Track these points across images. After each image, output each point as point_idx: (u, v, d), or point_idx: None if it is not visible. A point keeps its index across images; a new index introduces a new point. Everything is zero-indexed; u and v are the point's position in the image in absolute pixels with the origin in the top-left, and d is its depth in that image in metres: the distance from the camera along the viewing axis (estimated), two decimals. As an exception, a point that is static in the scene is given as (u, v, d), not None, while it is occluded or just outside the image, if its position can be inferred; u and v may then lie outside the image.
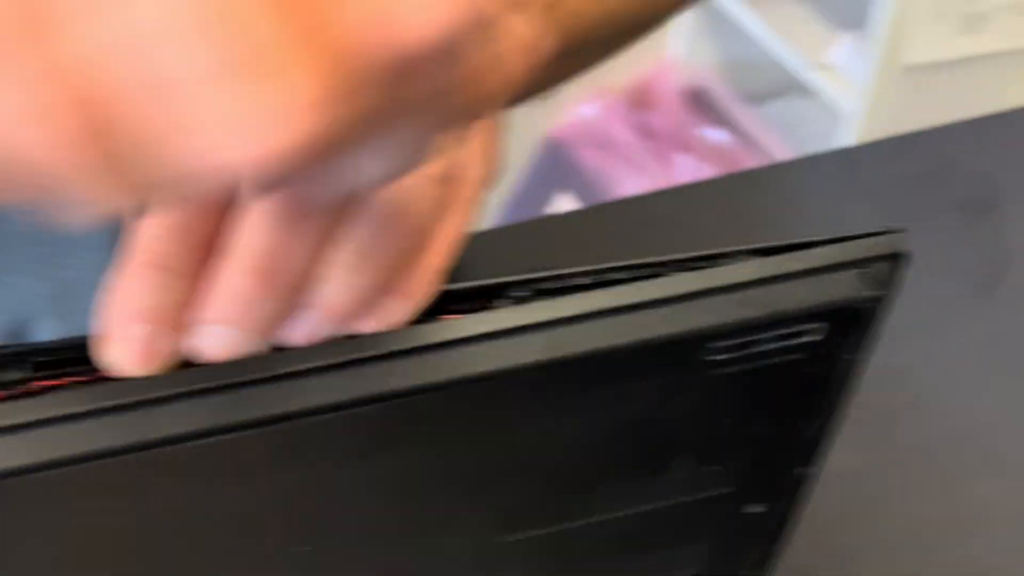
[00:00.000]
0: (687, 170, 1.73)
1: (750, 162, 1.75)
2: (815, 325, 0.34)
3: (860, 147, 0.78)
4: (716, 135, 1.80)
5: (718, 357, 0.34)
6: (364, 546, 0.35)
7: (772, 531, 0.42)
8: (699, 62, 1.87)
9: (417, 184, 0.29)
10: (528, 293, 0.32)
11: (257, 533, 0.33)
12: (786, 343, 0.34)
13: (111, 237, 0.49)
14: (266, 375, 0.29)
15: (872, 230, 0.34)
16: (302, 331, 0.29)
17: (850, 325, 0.35)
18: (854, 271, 0.34)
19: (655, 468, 0.37)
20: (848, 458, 0.57)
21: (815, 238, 0.34)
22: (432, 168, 0.29)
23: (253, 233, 0.28)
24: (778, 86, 1.80)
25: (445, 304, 0.32)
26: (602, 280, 0.33)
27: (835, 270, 0.34)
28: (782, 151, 1.75)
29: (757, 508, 0.41)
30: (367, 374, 0.30)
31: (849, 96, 1.54)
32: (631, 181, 1.72)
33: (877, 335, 0.36)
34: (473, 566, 0.38)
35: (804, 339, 0.34)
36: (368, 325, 0.30)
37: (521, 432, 0.34)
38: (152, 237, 0.28)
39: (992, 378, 0.62)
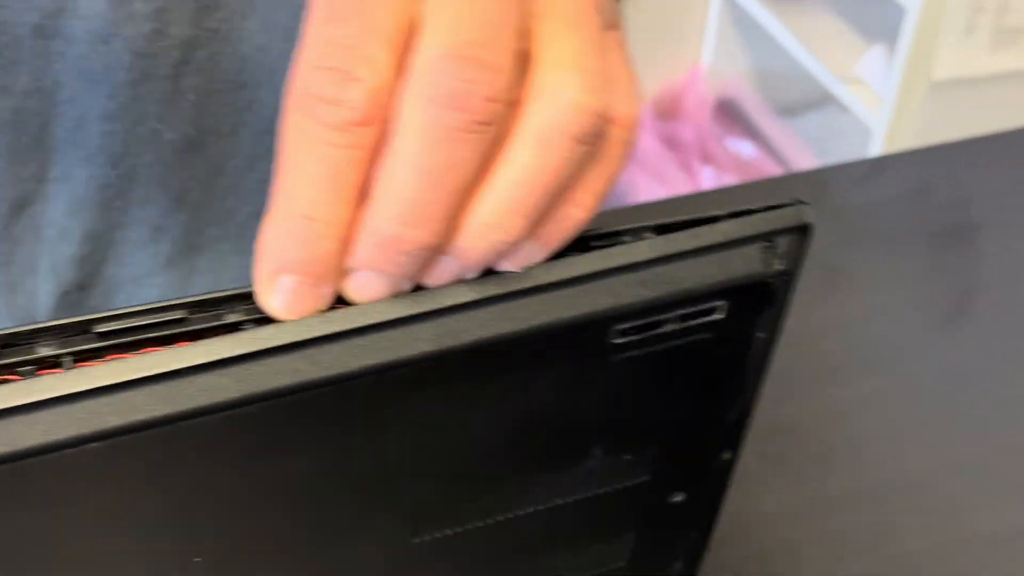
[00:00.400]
0: (710, 182, 1.69)
1: (774, 175, 1.71)
2: (721, 303, 0.33)
3: (832, 168, 0.75)
4: (742, 147, 1.76)
5: (623, 340, 0.32)
6: (278, 549, 0.34)
7: (700, 520, 0.41)
8: (731, 72, 1.83)
9: (562, 146, 0.29)
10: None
11: (158, 541, 0.32)
12: (693, 322, 0.33)
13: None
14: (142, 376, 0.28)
15: (777, 202, 0.33)
16: (441, 276, 0.30)
17: (758, 301, 0.34)
18: (758, 245, 0.33)
19: (571, 458, 0.36)
20: (774, 501, 0.54)
21: (719, 212, 0.32)
22: (579, 126, 0.29)
23: (400, 182, 0.28)
24: (810, 98, 1.76)
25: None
26: None
27: (738, 245, 0.32)
28: (809, 165, 1.71)
29: (681, 496, 0.40)
30: (238, 374, 0.28)
31: (876, 110, 1.50)
32: (653, 191, 1.69)
33: (788, 311, 0.35)
34: (388, 569, 0.36)
35: (711, 317, 0.33)
36: (504, 266, 0.30)
37: (421, 428, 0.33)
38: (301, 185, 0.28)
39: (942, 422, 0.59)
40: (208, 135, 0.51)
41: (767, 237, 0.33)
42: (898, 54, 1.45)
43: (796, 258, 0.33)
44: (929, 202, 0.69)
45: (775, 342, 0.36)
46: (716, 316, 0.33)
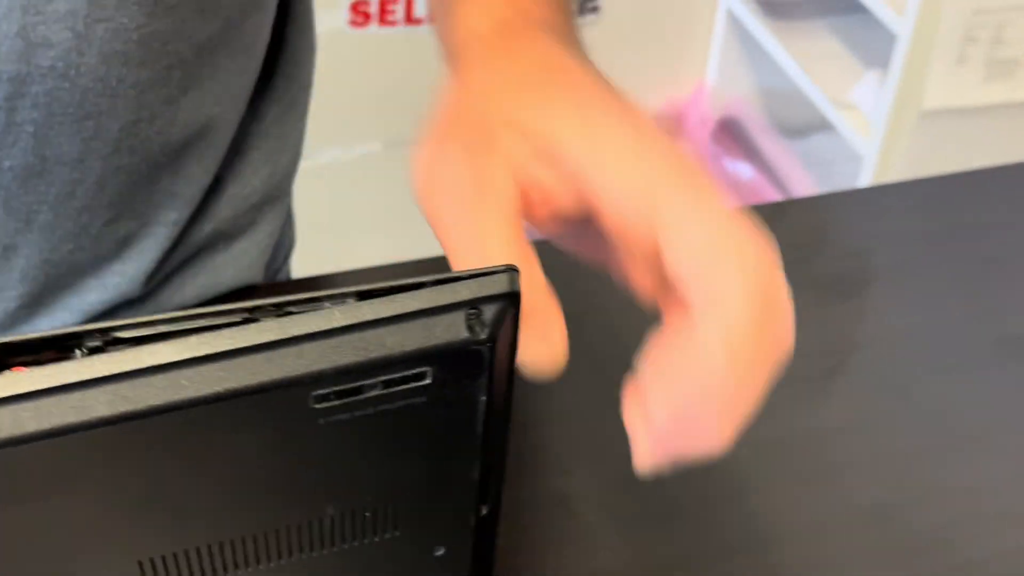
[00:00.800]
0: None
1: (770, 199, 1.70)
2: (428, 368, 0.33)
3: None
4: (740, 169, 1.75)
5: (323, 404, 0.32)
6: None
7: (468, 572, 0.41)
8: (735, 92, 1.82)
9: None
10: (99, 344, 0.31)
11: None
12: (401, 387, 0.33)
13: None
14: None
15: (488, 269, 0.33)
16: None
17: (468, 367, 0.34)
18: (461, 312, 0.33)
19: (303, 515, 0.36)
20: (613, 559, 0.53)
21: (424, 279, 0.33)
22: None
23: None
24: (811, 121, 1.75)
25: (8, 357, 0.30)
26: (187, 328, 0.32)
27: (440, 312, 0.33)
28: (807, 188, 1.69)
29: (443, 550, 0.40)
30: None
31: (867, 137, 1.49)
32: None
33: (510, 375, 0.35)
34: None
35: (421, 382, 0.33)
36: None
37: (126, 487, 0.33)
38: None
39: (797, 482, 0.57)
40: (53, 163, 0.52)
41: (471, 305, 0.33)
42: (889, 81, 1.43)
43: (506, 326, 0.33)
44: (823, 251, 0.68)
45: (504, 405, 0.36)
46: (425, 382, 0.33)
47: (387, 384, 0.33)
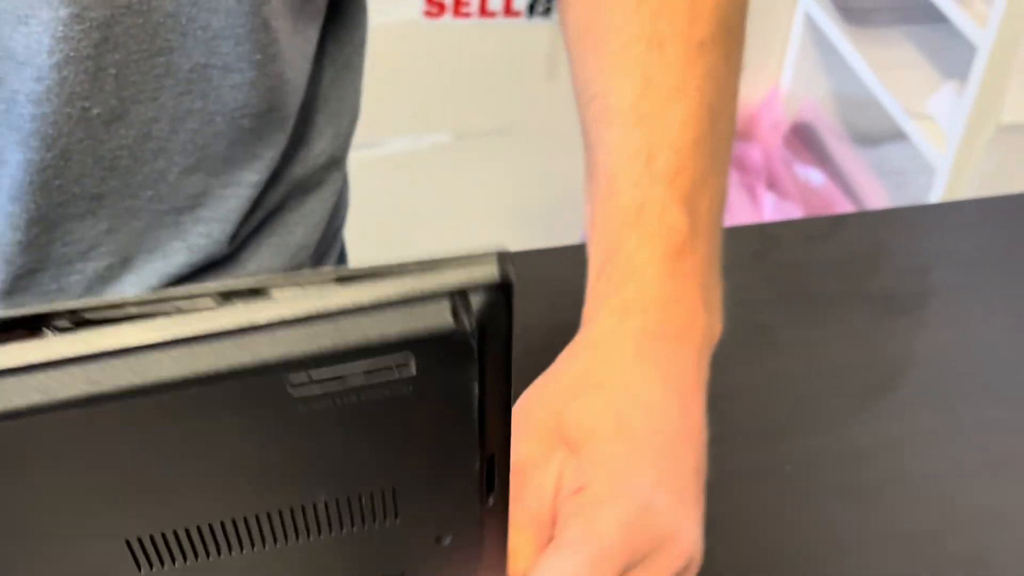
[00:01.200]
0: (770, 208, 1.66)
1: (840, 206, 1.68)
2: (410, 356, 0.31)
3: (785, 223, 0.73)
4: (811, 175, 1.73)
5: (302, 391, 0.31)
6: None
7: (484, 563, 0.41)
8: (809, 97, 1.80)
9: None
10: (68, 324, 0.30)
11: None
12: (385, 376, 0.32)
13: None
14: None
15: (478, 252, 0.31)
16: None
17: (457, 357, 0.32)
18: (445, 300, 0.31)
19: (294, 500, 0.35)
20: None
21: (409, 262, 0.31)
22: None
23: None
24: (886, 130, 1.72)
25: None
26: (158, 311, 0.31)
27: (422, 299, 0.31)
28: (878, 197, 1.67)
29: (450, 539, 0.39)
30: None
31: (942, 149, 1.46)
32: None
33: (506, 366, 0.33)
34: None
35: (406, 372, 0.32)
36: None
37: (114, 468, 0.32)
38: None
39: (830, 500, 0.57)
40: (131, 104, 0.54)
41: (459, 292, 0.31)
42: (967, 93, 1.41)
43: (495, 315, 0.32)
44: (880, 266, 0.67)
45: (502, 395, 0.34)
46: (410, 371, 0.32)
47: (371, 373, 0.32)
